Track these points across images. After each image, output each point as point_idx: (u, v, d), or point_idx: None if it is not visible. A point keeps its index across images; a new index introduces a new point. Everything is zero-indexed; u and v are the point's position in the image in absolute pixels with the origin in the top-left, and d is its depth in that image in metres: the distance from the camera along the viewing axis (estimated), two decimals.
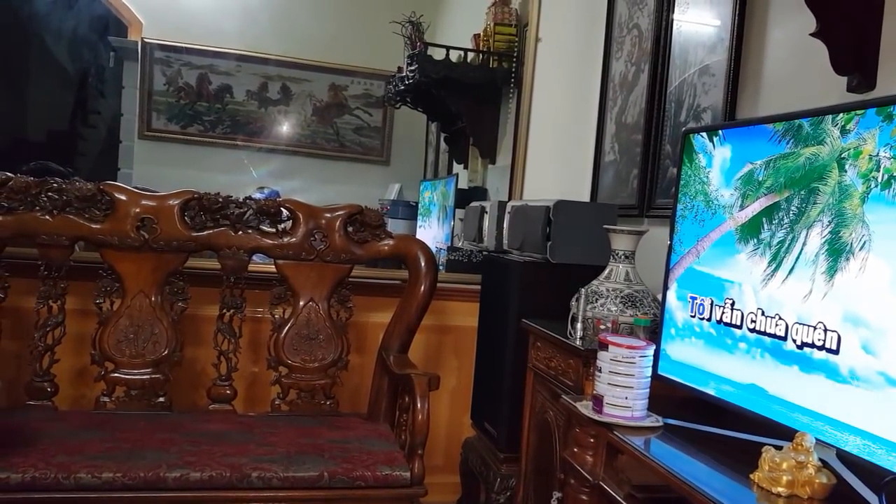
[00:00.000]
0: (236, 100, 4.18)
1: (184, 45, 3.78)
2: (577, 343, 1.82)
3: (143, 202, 2.20)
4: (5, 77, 2.91)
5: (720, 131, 1.51)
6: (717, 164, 1.50)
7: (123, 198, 2.19)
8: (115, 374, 2.19)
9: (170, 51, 3.81)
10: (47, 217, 2.13)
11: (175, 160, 4.05)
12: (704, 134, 1.55)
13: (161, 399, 2.22)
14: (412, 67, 3.16)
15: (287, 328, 2.32)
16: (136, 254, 2.19)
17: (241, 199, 2.27)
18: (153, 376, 2.21)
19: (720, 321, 1.43)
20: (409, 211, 3.73)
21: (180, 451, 1.90)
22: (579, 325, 1.83)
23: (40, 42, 3.05)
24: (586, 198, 2.71)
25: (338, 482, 1.89)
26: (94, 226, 2.16)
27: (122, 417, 2.14)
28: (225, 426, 2.16)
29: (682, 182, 1.61)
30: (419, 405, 1.95)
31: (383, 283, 2.59)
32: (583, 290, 1.86)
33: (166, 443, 1.96)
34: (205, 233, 2.25)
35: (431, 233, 3.31)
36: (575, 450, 1.54)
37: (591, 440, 1.49)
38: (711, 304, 1.46)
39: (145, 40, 3.67)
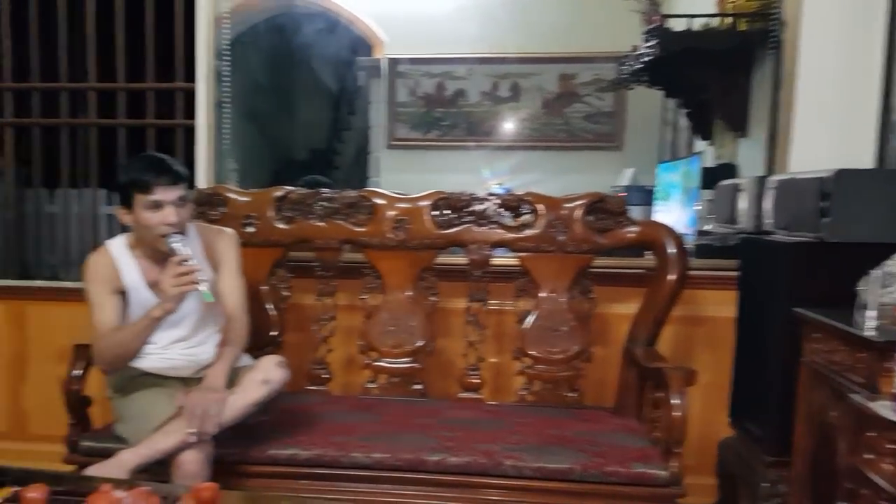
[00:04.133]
0: (470, 102, 4.30)
1: (421, 56, 3.98)
2: (870, 334, 1.57)
3: (398, 205, 2.38)
4: (282, 103, 3.30)
5: None
6: None
7: (382, 202, 2.39)
8: (379, 363, 2.39)
9: (409, 63, 4.04)
10: (321, 223, 2.40)
11: (417, 166, 4.29)
12: None
13: (417, 386, 2.38)
14: (650, 43, 3.02)
15: (530, 320, 2.36)
16: (394, 252, 2.38)
17: (483, 196, 2.36)
18: (411, 365, 2.39)
19: None
20: (644, 196, 3.57)
21: (438, 436, 2.01)
22: (871, 313, 1.58)
23: (307, 68, 3.41)
24: (869, 165, 2.34)
25: (590, 476, 1.87)
26: (358, 229, 2.39)
27: (385, 402, 2.33)
28: (476, 414, 2.26)
29: None
30: (675, 401, 1.85)
31: (626, 273, 2.50)
32: (875, 272, 1.61)
33: (425, 427, 2.09)
34: (452, 230, 2.36)
35: (672, 217, 3.13)
36: (868, 457, 1.35)
37: (891, 446, 1.29)
38: None
39: (388, 57, 3.92)
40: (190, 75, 2.81)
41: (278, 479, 1.93)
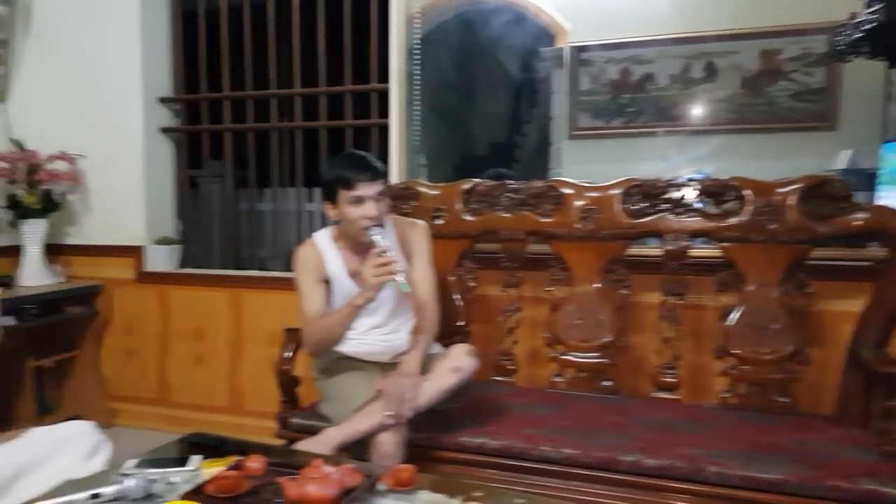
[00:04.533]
0: (658, 86, 4.06)
1: (605, 42, 3.82)
2: None
3: (587, 193, 2.30)
4: (466, 98, 3.34)
5: None
6: None
7: (570, 191, 2.33)
8: (566, 357, 2.34)
9: (593, 51, 3.90)
10: (507, 214, 2.40)
11: (601, 155, 4.15)
12: None
13: (607, 382, 2.29)
14: (872, 8, 2.65)
15: (734, 316, 2.17)
16: (581, 243, 2.31)
17: (681, 181, 2.21)
18: (600, 360, 2.30)
19: None
20: (866, 180, 3.14)
21: (632, 436, 1.92)
22: None
23: (491, 62, 3.42)
24: None
25: (806, 489, 1.68)
26: (544, 219, 2.35)
27: (573, 397, 2.27)
28: (672, 415, 2.12)
29: None
30: None
31: (849, 266, 2.22)
32: None
33: (618, 426, 2.01)
34: (645, 219, 2.24)
35: None
36: None
37: None
38: None
39: (571, 46, 3.81)
40: (383, 76, 2.94)
41: (467, 466, 1.95)
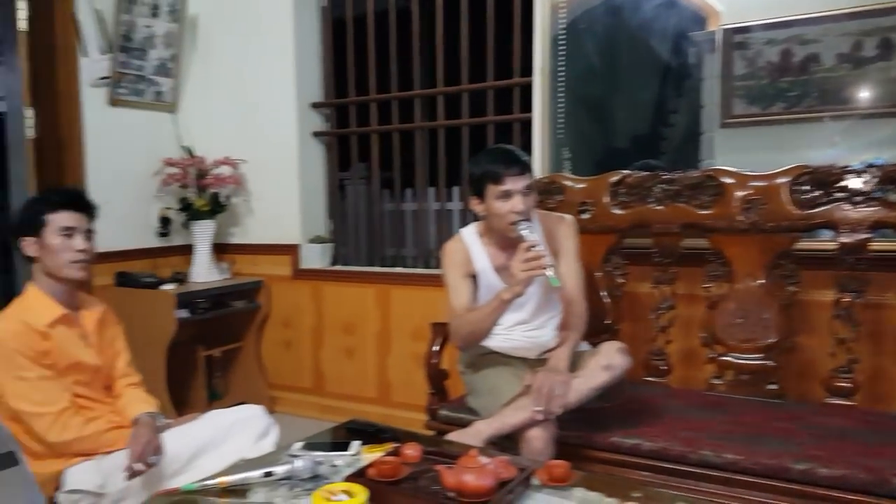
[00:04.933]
0: (823, 66, 3.73)
1: (764, 21, 3.56)
2: None
3: (751, 183, 2.16)
4: (610, 89, 3.24)
5: None
6: None
7: (731, 181, 2.20)
8: (725, 358, 2.20)
9: (749, 32, 3.65)
10: (660, 207, 2.30)
11: (758, 144, 3.87)
12: None
13: (772, 386, 2.14)
14: None
15: None
16: (743, 237, 2.17)
17: (861, 167, 2.01)
18: (764, 362, 2.15)
19: None
20: None
21: (802, 444, 1.78)
22: None
23: (638, 50, 3.31)
24: None
25: None
26: (701, 212, 2.23)
27: (733, 401, 2.14)
28: (848, 422, 1.94)
29: None
30: None
31: None
32: None
33: (786, 432, 1.87)
34: (817, 209, 2.07)
35: None
36: None
37: None
38: None
39: (724, 28, 3.59)
40: (526, 70, 2.93)
41: (619, 466, 1.89)
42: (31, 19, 3.12)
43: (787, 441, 1.80)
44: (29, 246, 1.80)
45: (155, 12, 3.34)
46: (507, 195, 1.95)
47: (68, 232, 1.79)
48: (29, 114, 3.18)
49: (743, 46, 3.56)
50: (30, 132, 3.19)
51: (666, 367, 2.33)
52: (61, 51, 3.12)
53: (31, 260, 1.83)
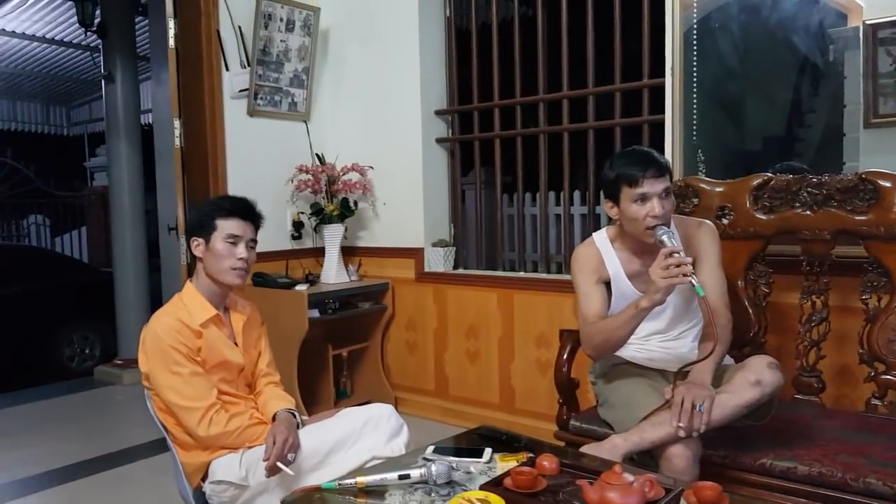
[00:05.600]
0: None
1: None
2: None
3: None
4: (744, 88, 3.07)
5: None
6: None
7: (889, 184, 2.01)
8: (887, 377, 2.01)
9: (894, 27, 3.36)
10: (808, 212, 2.14)
11: None
12: None
13: None
14: None
15: None
16: None
17: None
18: None
19: None
20: None
21: None
22: None
23: (774, 47, 3.13)
24: None
25: None
26: (857, 217, 2.05)
27: None
28: None
29: None
30: None
31: None
32: None
33: None
34: None
35: None
36: None
37: None
38: None
39: (866, 23, 3.33)
40: (655, 71, 2.82)
41: (770, 490, 1.76)
42: (178, 36, 3.38)
43: None
44: (197, 246, 1.92)
45: (290, 27, 3.50)
46: (644, 198, 1.87)
47: (234, 239, 1.89)
48: (177, 124, 3.43)
49: (888, 42, 3.26)
50: (177, 141, 3.45)
51: (819, 385, 2.16)
52: (206, 65, 3.34)
53: (195, 259, 1.95)
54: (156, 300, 4.76)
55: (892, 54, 3.46)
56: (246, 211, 1.94)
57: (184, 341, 1.83)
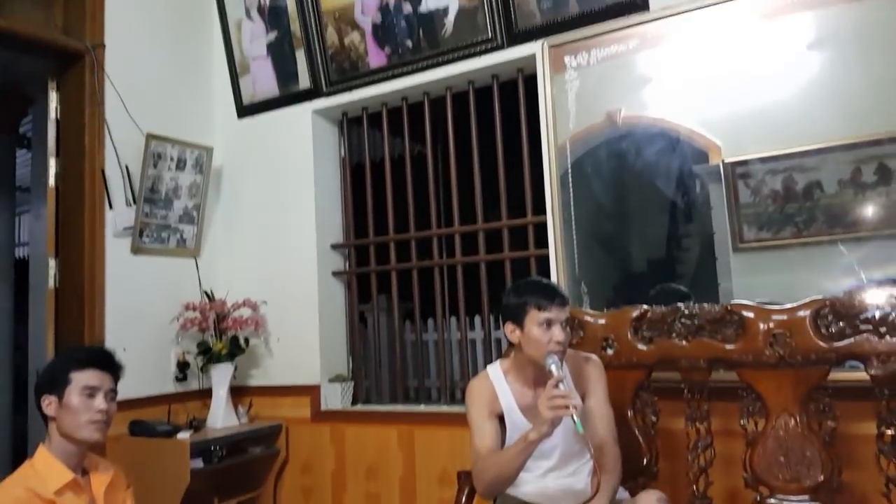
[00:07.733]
0: (826, 193, 3.82)
1: (763, 156, 3.72)
2: None
3: (773, 317, 2.14)
4: (619, 220, 3.34)
5: None
6: None
7: (751, 315, 2.18)
8: (772, 500, 2.09)
9: (749, 165, 3.81)
10: (683, 342, 2.27)
11: (773, 267, 3.90)
12: None
13: None
14: None
15: None
16: (773, 371, 2.12)
17: (884, 299, 2.00)
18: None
19: None
20: None
21: None
22: None
23: (643, 183, 3.46)
24: None
25: None
26: (727, 346, 2.20)
27: None
28: None
29: None
30: None
31: None
32: None
33: None
34: (844, 342, 2.03)
35: None
36: None
37: None
38: None
39: (725, 161, 3.75)
40: (538, 208, 3.02)
41: None
42: (59, 174, 3.28)
43: None
44: (48, 405, 1.78)
45: (181, 165, 3.49)
46: (549, 324, 1.94)
47: (91, 391, 1.78)
48: (52, 264, 3.26)
49: (746, 176, 3.67)
50: (51, 281, 3.26)
51: None
52: (88, 203, 3.23)
53: (46, 420, 1.80)
54: (20, 452, 4.27)
55: (750, 187, 3.88)
56: (103, 360, 1.84)
57: None
